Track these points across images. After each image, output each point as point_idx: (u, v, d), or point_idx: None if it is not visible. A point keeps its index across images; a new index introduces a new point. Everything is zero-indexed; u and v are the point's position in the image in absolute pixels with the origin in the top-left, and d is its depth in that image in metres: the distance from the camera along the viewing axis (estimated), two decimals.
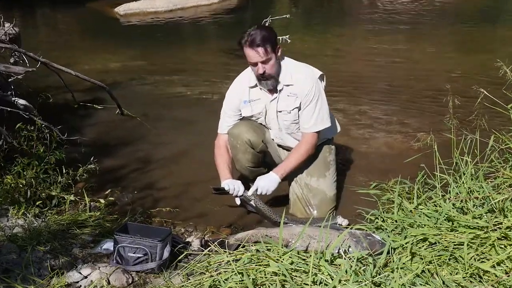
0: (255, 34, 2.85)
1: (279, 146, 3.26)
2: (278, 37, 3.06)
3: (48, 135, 3.34)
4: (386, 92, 5.59)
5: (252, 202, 2.95)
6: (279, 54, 2.97)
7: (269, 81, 2.98)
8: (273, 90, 3.05)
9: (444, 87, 3.31)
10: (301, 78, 3.01)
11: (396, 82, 5.92)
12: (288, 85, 3.02)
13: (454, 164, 3.05)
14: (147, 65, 7.03)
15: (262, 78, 2.96)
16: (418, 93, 5.47)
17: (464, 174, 2.90)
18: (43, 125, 3.37)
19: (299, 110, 3.04)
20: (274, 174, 3.01)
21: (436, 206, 2.68)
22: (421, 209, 2.68)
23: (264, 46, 2.86)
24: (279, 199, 3.26)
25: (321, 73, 3.11)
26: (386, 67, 6.61)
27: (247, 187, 3.03)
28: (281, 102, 3.05)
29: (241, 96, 3.12)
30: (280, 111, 3.06)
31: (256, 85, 3.06)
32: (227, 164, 3.12)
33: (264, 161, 3.28)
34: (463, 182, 2.83)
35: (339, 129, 3.38)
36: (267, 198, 3.10)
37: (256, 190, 2.97)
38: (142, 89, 6.00)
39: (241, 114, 3.17)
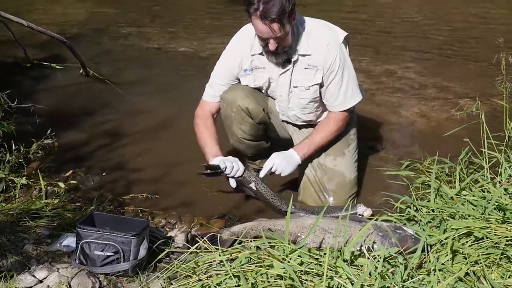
0: (271, 4, 2.63)
1: (285, 122, 3.22)
2: None
3: None
4: (420, 48, 5.54)
5: (252, 185, 2.91)
6: (294, 21, 2.82)
7: (281, 55, 2.88)
8: (286, 61, 2.95)
9: (496, 41, 3.26)
10: (321, 45, 2.89)
11: (433, 35, 5.87)
12: (305, 55, 2.92)
13: (507, 138, 3.02)
14: (119, 14, 6.98)
15: (272, 53, 2.85)
16: (461, 48, 5.43)
17: None
18: None
19: (320, 86, 2.97)
20: (294, 152, 2.97)
21: (484, 192, 2.66)
22: (465, 195, 2.66)
23: (280, 21, 2.67)
24: (285, 183, 3.24)
25: (345, 34, 3.00)
26: (420, 17, 6.55)
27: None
28: (297, 76, 2.96)
29: (241, 62, 3.02)
30: (296, 87, 2.99)
31: (261, 53, 2.95)
32: (216, 138, 3.06)
33: (266, 134, 3.24)
34: None
35: (363, 95, 3.33)
36: (271, 181, 3.04)
37: (271, 169, 2.92)
38: (113, 44, 5.97)
39: (239, 83, 3.10)
